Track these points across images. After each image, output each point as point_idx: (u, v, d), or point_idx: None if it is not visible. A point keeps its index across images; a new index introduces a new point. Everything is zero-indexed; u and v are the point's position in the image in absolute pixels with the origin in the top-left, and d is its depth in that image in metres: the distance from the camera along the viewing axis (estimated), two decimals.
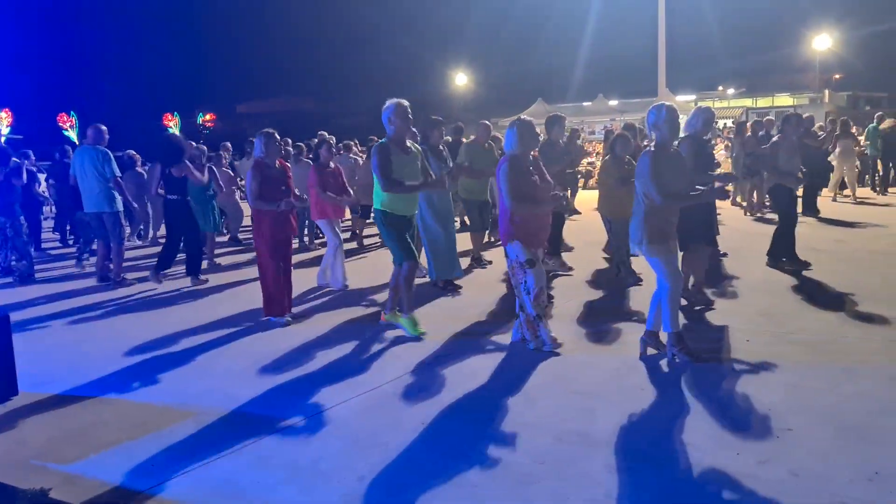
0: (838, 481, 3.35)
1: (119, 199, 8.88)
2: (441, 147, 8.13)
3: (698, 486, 3.39)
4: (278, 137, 6.95)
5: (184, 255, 9.20)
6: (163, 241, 9.80)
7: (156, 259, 9.15)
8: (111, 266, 9.20)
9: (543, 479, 3.51)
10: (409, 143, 6.26)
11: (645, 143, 5.42)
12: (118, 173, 8.88)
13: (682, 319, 5.43)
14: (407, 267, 6.11)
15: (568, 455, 3.74)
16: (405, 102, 6.10)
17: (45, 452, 4.09)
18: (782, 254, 8.24)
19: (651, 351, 5.26)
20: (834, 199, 14.97)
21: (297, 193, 7.00)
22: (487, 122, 9.53)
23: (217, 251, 11.12)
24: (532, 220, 5.41)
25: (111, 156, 8.84)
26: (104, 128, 8.96)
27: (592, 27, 52.24)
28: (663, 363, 5.10)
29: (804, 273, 7.88)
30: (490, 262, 9.26)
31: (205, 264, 10.25)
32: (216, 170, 10.70)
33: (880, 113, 17.84)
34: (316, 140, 13.02)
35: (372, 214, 7.36)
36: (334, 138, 12.39)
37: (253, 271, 9.33)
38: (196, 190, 9.93)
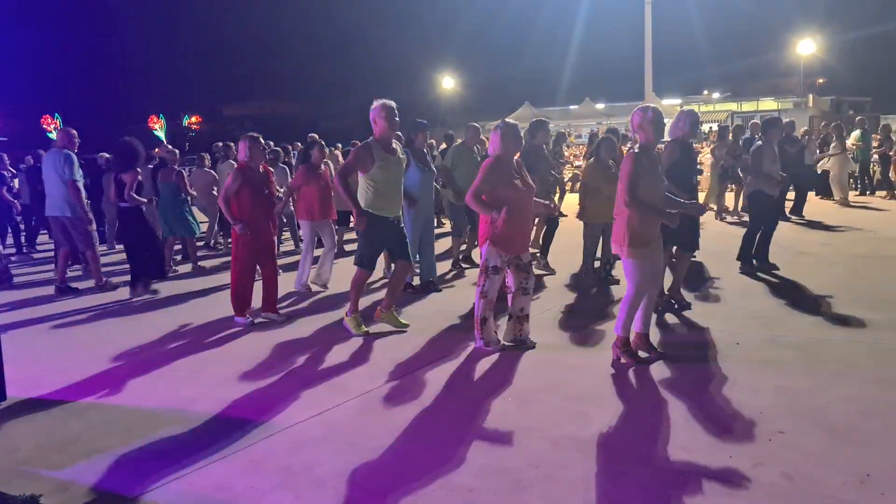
0: (831, 483, 3.37)
1: (83, 203, 8.58)
2: (425, 151, 8.15)
3: (694, 489, 3.39)
4: (262, 141, 6.94)
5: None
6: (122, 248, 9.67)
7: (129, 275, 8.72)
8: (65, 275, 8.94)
9: (539, 483, 3.51)
10: (394, 144, 6.26)
11: (628, 147, 5.44)
12: (77, 177, 8.49)
13: (654, 321, 5.47)
14: (359, 273, 6.25)
15: (563, 459, 3.75)
16: (391, 103, 6.14)
17: (34, 458, 4.05)
18: (750, 256, 8.25)
19: (642, 354, 5.27)
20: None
21: (281, 196, 7.05)
22: (476, 124, 9.53)
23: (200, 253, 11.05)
24: (510, 225, 5.38)
25: (74, 159, 8.51)
26: (74, 132, 8.73)
27: (579, 31, 52.55)
28: (654, 367, 5.11)
29: (789, 276, 7.94)
30: (477, 265, 9.26)
31: (188, 268, 10.20)
32: (184, 172, 10.47)
33: (861, 118, 18.07)
34: (300, 144, 13.06)
35: (352, 220, 7.37)
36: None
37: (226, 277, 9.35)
38: (168, 195, 9.81)
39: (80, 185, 8.58)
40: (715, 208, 13.72)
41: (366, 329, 6.25)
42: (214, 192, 11.19)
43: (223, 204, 6.64)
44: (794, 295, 7.17)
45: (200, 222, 11.16)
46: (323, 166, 8.69)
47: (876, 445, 3.77)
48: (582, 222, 8.26)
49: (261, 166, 6.84)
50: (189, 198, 10.41)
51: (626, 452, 3.80)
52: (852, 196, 16.14)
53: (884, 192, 16.33)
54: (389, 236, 6.19)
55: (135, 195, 8.13)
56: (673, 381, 4.82)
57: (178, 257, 10.94)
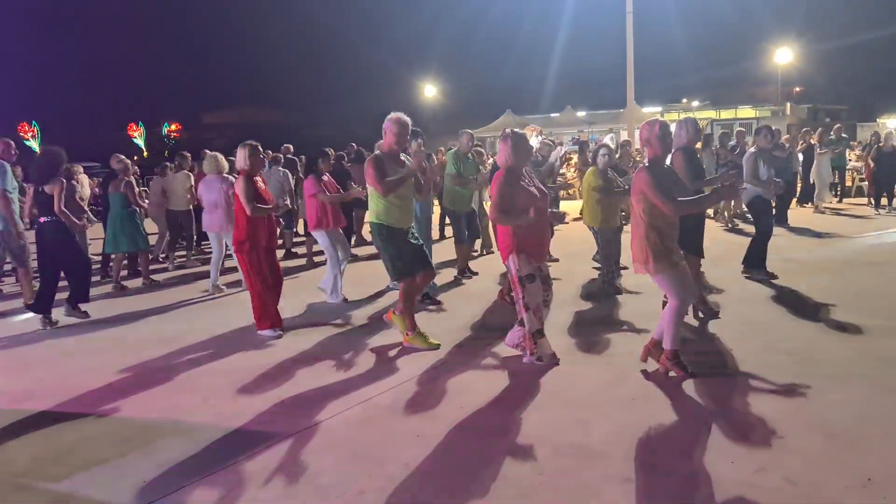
0: (834, 488, 3.40)
1: (14, 216, 7.93)
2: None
3: (699, 495, 3.41)
4: (261, 150, 6.89)
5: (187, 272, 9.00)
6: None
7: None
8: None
9: (544, 491, 3.51)
10: (402, 157, 6.24)
11: (638, 159, 5.46)
12: (8, 187, 7.81)
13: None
14: (405, 284, 6.09)
15: (566, 466, 3.75)
16: (406, 119, 6.10)
17: (31, 471, 3.99)
18: (757, 264, 8.38)
19: (652, 361, 5.23)
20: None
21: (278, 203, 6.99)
22: (469, 131, 9.54)
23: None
24: (533, 232, 5.34)
25: (6, 168, 7.84)
26: (10, 141, 8.17)
27: (561, 40, 52.92)
28: (653, 373, 5.14)
29: (779, 283, 8.02)
30: (476, 274, 9.28)
31: (138, 282, 10.01)
32: (134, 183, 9.99)
33: (839, 125, 18.39)
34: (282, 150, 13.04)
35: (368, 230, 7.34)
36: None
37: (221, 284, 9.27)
38: (117, 207, 9.55)
39: (13, 196, 7.95)
40: (711, 214, 13.94)
41: (433, 342, 6.09)
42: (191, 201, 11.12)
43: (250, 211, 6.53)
44: (785, 301, 7.24)
45: (151, 233, 10.88)
46: (326, 175, 8.65)
47: (875, 450, 3.81)
48: (590, 230, 8.35)
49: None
50: (140, 210, 10.10)
51: (628, 459, 3.81)
52: (832, 202, 16.42)
53: (864, 199, 16.58)
54: (406, 249, 6.10)
55: (65, 210, 7.43)
56: (671, 387, 4.85)
57: (125, 272, 10.50)
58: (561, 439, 4.08)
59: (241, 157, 6.67)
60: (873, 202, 15.44)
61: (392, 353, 5.96)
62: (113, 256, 9.99)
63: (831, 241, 11.23)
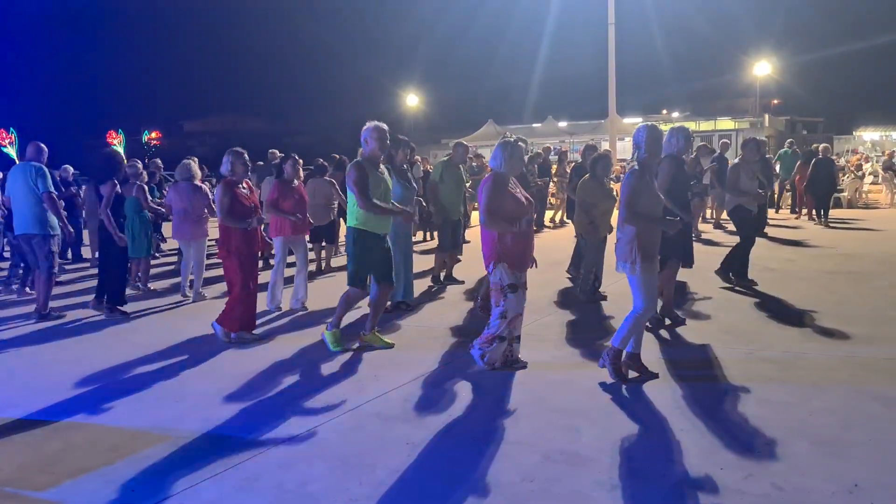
0: (821, 493, 3.45)
1: (53, 220, 8.05)
2: (405, 167, 8.16)
3: (687, 501, 3.44)
4: (247, 156, 6.88)
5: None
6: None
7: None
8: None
9: (535, 497, 3.52)
10: (381, 165, 6.31)
11: (631, 163, 5.52)
12: (52, 189, 7.99)
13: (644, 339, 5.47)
14: (354, 293, 6.25)
15: (556, 473, 3.77)
16: (384, 126, 6.19)
17: (17, 479, 3.94)
18: (734, 271, 8.45)
19: (632, 374, 5.23)
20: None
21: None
22: (464, 142, 9.58)
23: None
24: (519, 241, 5.36)
25: (46, 171, 7.97)
26: (44, 146, 8.20)
27: (543, 50, 53.18)
28: (640, 380, 5.16)
29: (761, 291, 8.11)
30: (463, 282, 9.29)
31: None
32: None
33: (790, 139, 18.98)
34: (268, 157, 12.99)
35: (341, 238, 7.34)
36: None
37: (209, 291, 9.22)
38: (131, 212, 9.34)
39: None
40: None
41: (343, 346, 6.23)
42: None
43: (224, 218, 6.52)
44: (767, 310, 7.32)
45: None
46: (297, 181, 8.60)
47: (860, 456, 3.86)
48: (580, 239, 8.39)
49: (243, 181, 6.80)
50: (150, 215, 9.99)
51: (617, 466, 3.84)
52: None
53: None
54: (376, 256, 6.17)
55: (109, 213, 7.89)
56: (658, 396, 4.88)
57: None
58: (550, 446, 4.10)
59: (226, 164, 6.66)
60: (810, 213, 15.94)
61: (381, 360, 5.95)
62: (135, 260, 9.72)
63: (809, 250, 11.37)
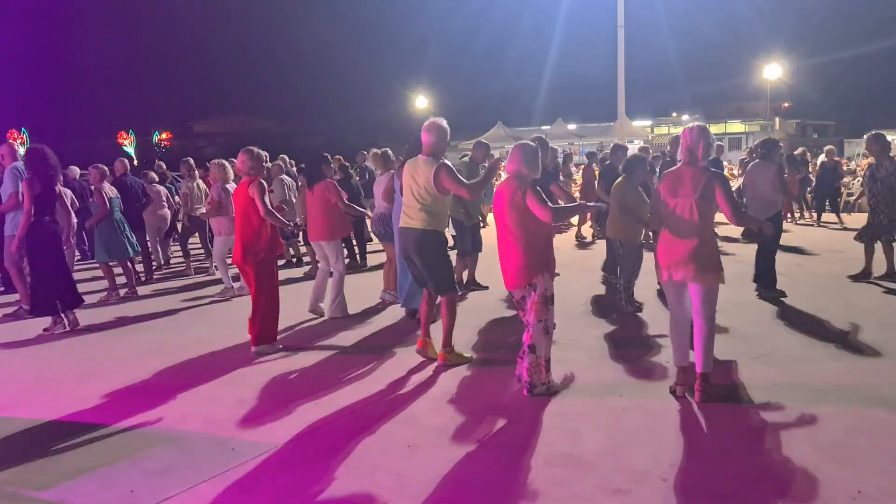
0: (824, 500, 3.41)
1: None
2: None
3: None
4: (263, 156, 6.80)
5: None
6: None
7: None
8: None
9: (535, 501, 3.50)
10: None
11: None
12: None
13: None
14: (454, 297, 5.95)
15: (558, 477, 3.75)
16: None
17: (18, 479, 3.96)
18: (766, 282, 8.26)
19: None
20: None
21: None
22: (484, 141, 9.43)
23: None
24: (551, 247, 5.10)
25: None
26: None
27: (553, 53, 53.25)
28: (641, 386, 5.14)
29: (767, 296, 8.04)
30: (487, 287, 8.99)
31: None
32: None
33: (802, 148, 18.76)
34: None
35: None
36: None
37: (203, 293, 9.25)
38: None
39: None
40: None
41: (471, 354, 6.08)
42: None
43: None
44: (772, 314, 7.27)
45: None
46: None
47: (864, 462, 3.82)
48: (614, 243, 8.04)
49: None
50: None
51: (619, 470, 3.81)
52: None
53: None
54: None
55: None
56: (661, 400, 4.85)
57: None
58: (552, 450, 4.08)
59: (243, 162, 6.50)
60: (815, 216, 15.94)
61: (383, 364, 5.94)
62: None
63: (817, 255, 11.29)
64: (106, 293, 9.45)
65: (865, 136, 9.34)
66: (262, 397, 5.17)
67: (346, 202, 7.95)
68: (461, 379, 5.44)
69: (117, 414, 4.96)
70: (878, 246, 8.82)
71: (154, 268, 11.63)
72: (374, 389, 5.25)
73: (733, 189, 6.52)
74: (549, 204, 4.92)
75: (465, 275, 9.08)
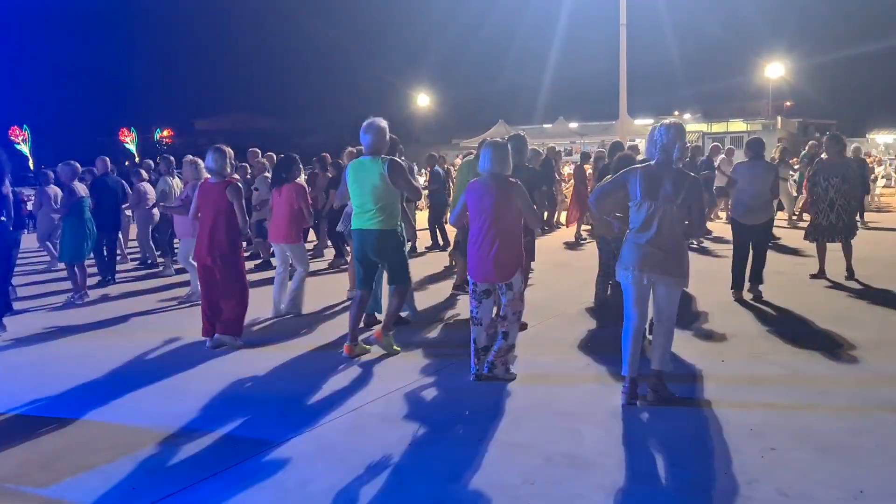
0: (826, 500, 3.41)
1: None
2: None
3: None
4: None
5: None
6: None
7: None
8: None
9: (536, 500, 3.50)
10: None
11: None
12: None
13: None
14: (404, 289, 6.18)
15: (557, 476, 3.74)
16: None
17: (18, 476, 3.95)
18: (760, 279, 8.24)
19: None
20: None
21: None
22: (489, 139, 9.40)
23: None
24: (529, 248, 5.27)
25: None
26: None
27: (554, 51, 53.19)
28: (642, 384, 5.12)
29: (767, 296, 8.01)
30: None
31: (128, 288, 9.76)
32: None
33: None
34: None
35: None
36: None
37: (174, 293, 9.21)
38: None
39: None
40: None
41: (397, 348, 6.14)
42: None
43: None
44: (773, 314, 7.26)
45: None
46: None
47: (866, 462, 3.81)
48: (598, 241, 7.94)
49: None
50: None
51: (620, 469, 3.81)
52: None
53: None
54: None
55: None
56: (662, 399, 4.83)
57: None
58: (552, 449, 4.07)
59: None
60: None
61: (381, 362, 5.93)
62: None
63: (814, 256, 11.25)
64: (75, 293, 9.14)
65: (825, 138, 9.47)
66: (261, 395, 5.17)
67: (310, 211, 7.92)
68: (460, 379, 5.43)
69: (117, 411, 4.96)
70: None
71: (142, 265, 11.72)
72: (374, 388, 5.23)
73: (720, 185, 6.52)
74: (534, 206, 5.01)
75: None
